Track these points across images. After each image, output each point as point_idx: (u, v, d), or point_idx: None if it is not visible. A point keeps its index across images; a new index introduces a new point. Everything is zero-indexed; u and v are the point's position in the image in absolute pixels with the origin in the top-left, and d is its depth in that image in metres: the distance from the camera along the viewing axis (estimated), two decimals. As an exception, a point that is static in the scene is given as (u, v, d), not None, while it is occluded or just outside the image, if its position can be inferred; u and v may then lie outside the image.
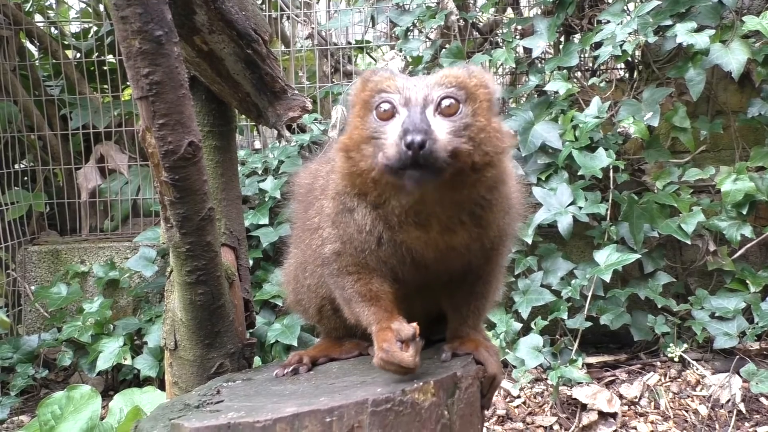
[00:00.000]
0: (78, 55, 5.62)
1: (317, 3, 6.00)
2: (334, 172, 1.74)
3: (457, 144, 1.44)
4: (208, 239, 1.81)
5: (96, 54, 5.55)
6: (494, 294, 1.89)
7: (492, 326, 3.84)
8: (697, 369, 3.86)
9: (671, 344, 3.88)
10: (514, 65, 4.43)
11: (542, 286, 3.98)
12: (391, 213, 1.58)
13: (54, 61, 5.41)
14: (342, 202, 1.66)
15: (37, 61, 5.69)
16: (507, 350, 3.75)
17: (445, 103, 1.49)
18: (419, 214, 1.57)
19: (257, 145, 5.74)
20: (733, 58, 3.81)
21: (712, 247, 4.03)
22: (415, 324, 1.54)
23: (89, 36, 5.79)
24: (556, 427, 3.58)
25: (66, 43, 5.74)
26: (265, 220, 4.31)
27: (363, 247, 1.64)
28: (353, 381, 1.64)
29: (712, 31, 3.84)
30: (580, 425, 3.54)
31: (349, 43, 6.03)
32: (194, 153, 1.64)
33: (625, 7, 4.22)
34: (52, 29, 5.76)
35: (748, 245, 3.91)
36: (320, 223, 1.76)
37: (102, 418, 2.79)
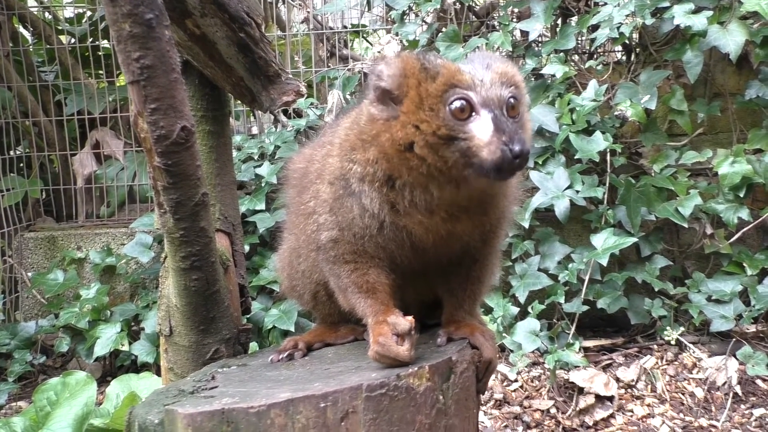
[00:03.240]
0: (72, 40, 5.59)
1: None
2: (330, 156, 1.73)
3: None
4: (202, 225, 1.80)
5: (90, 39, 5.51)
6: (490, 278, 1.89)
7: (489, 310, 3.84)
8: (693, 352, 3.86)
9: (668, 327, 3.88)
10: (510, 48, 4.41)
11: (539, 270, 3.97)
12: (407, 198, 1.57)
13: (48, 46, 5.39)
14: (343, 186, 1.64)
15: (30, 47, 5.66)
16: (504, 334, 3.76)
17: (511, 103, 1.52)
18: (431, 201, 1.57)
19: (254, 130, 5.72)
20: (731, 39, 3.79)
21: (709, 231, 4.03)
22: (411, 318, 1.54)
23: (83, 21, 5.76)
24: (553, 410, 3.59)
25: (60, 28, 5.70)
26: (262, 206, 4.30)
27: (363, 233, 1.63)
28: (348, 366, 1.64)
29: (710, 13, 3.82)
30: (577, 409, 3.55)
31: (345, 27, 6.01)
32: (187, 138, 1.62)
33: (623, -11, 4.20)
34: (46, 14, 5.72)
35: (745, 228, 3.90)
36: (315, 208, 1.75)
37: (99, 404, 2.80)
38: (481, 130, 1.45)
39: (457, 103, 1.47)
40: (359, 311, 1.68)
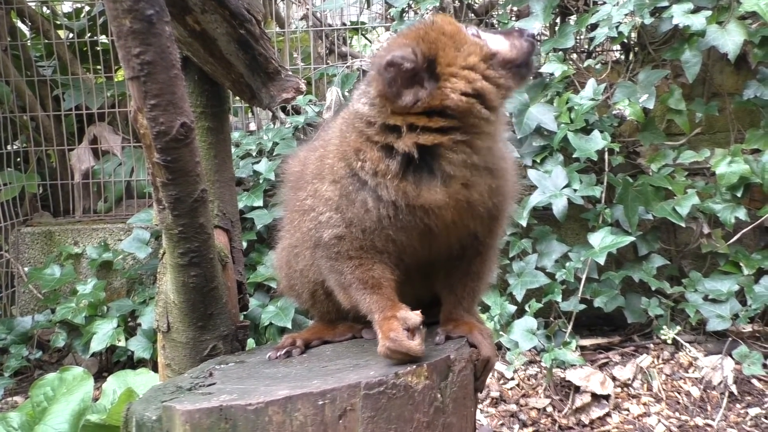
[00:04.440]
0: (70, 35, 5.58)
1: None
2: (327, 158, 1.73)
3: None
4: (200, 221, 1.79)
5: (89, 34, 5.50)
6: (489, 275, 1.89)
7: (486, 309, 3.84)
8: (689, 351, 3.87)
9: (664, 326, 3.89)
10: (509, 47, 4.39)
11: (537, 268, 3.98)
12: (445, 166, 1.61)
13: (46, 41, 5.37)
14: (352, 183, 1.64)
15: (29, 41, 5.64)
16: (501, 333, 3.76)
17: None
18: (466, 160, 1.62)
19: (252, 126, 5.72)
20: (730, 39, 3.79)
21: (706, 230, 4.03)
22: (419, 312, 1.54)
23: (82, 16, 5.74)
24: (549, 409, 3.59)
25: (58, 22, 5.69)
26: (260, 202, 4.30)
27: (375, 226, 1.63)
28: (346, 364, 1.64)
29: (709, 13, 3.82)
30: (574, 407, 3.55)
31: (344, 24, 6.00)
32: (186, 134, 1.62)
33: (622, -11, 4.20)
34: (44, 9, 5.71)
35: (745, 230, 3.90)
36: (314, 207, 1.74)
37: (95, 400, 2.79)
38: (497, 42, 1.66)
39: (470, 30, 1.66)
40: (364, 307, 1.67)
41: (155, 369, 2.56)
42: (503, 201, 1.75)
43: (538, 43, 1.67)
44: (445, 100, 1.56)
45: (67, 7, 6.03)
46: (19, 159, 5.39)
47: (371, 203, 1.62)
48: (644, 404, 3.61)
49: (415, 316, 1.53)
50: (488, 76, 1.60)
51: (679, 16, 3.80)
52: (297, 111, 4.93)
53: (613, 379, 3.74)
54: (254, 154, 4.62)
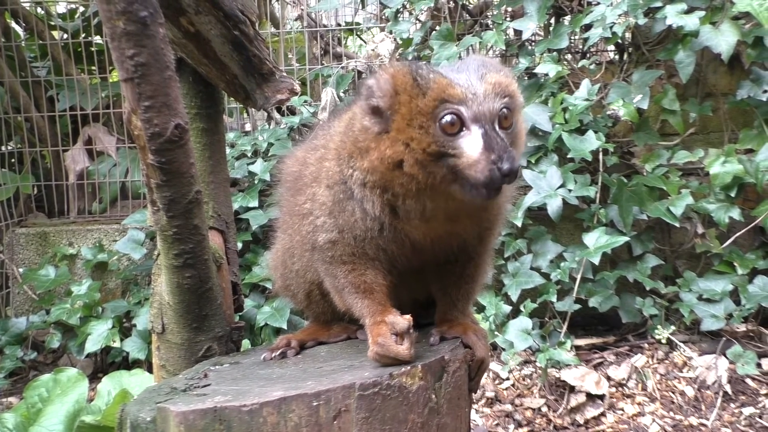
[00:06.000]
0: (65, 35, 5.56)
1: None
2: (326, 159, 1.72)
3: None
4: (195, 222, 1.79)
5: (83, 35, 5.49)
6: (483, 277, 1.89)
7: (481, 309, 3.84)
8: (684, 351, 3.88)
9: (659, 326, 3.90)
10: (504, 47, 4.41)
11: (532, 268, 3.98)
12: (406, 207, 1.57)
13: (40, 41, 5.36)
14: (343, 191, 1.64)
15: (23, 42, 5.63)
16: (496, 333, 3.76)
17: (504, 114, 1.50)
18: (425, 211, 1.57)
19: (247, 127, 5.71)
20: (723, 39, 3.80)
21: (700, 230, 4.04)
22: (409, 316, 1.55)
23: (76, 16, 5.73)
24: (544, 409, 3.60)
25: (52, 23, 5.68)
26: (255, 203, 4.29)
27: (364, 235, 1.64)
28: (341, 365, 1.65)
29: (702, 13, 3.83)
30: (569, 407, 3.56)
31: (339, 24, 6.00)
32: (181, 135, 1.62)
33: (616, -11, 4.20)
34: (38, 9, 5.69)
35: (740, 233, 3.90)
36: (312, 210, 1.74)
37: (90, 401, 2.79)
38: (470, 146, 1.44)
39: (447, 118, 1.45)
40: (356, 311, 1.68)
41: (150, 370, 2.55)
42: (496, 219, 1.76)
43: (507, 177, 1.41)
44: (371, 152, 1.54)
45: (61, 8, 6.02)
46: (13, 160, 5.38)
47: (359, 214, 1.63)
48: (639, 404, 3.62)
49: (403, 321, 1.53)
50: (428, 169, 1.48)
51: (673, 16, 3.81)
52: (292, 112, 4.93)
53: (608, 378, 3.75)
54: (249, 154, 4.62)
